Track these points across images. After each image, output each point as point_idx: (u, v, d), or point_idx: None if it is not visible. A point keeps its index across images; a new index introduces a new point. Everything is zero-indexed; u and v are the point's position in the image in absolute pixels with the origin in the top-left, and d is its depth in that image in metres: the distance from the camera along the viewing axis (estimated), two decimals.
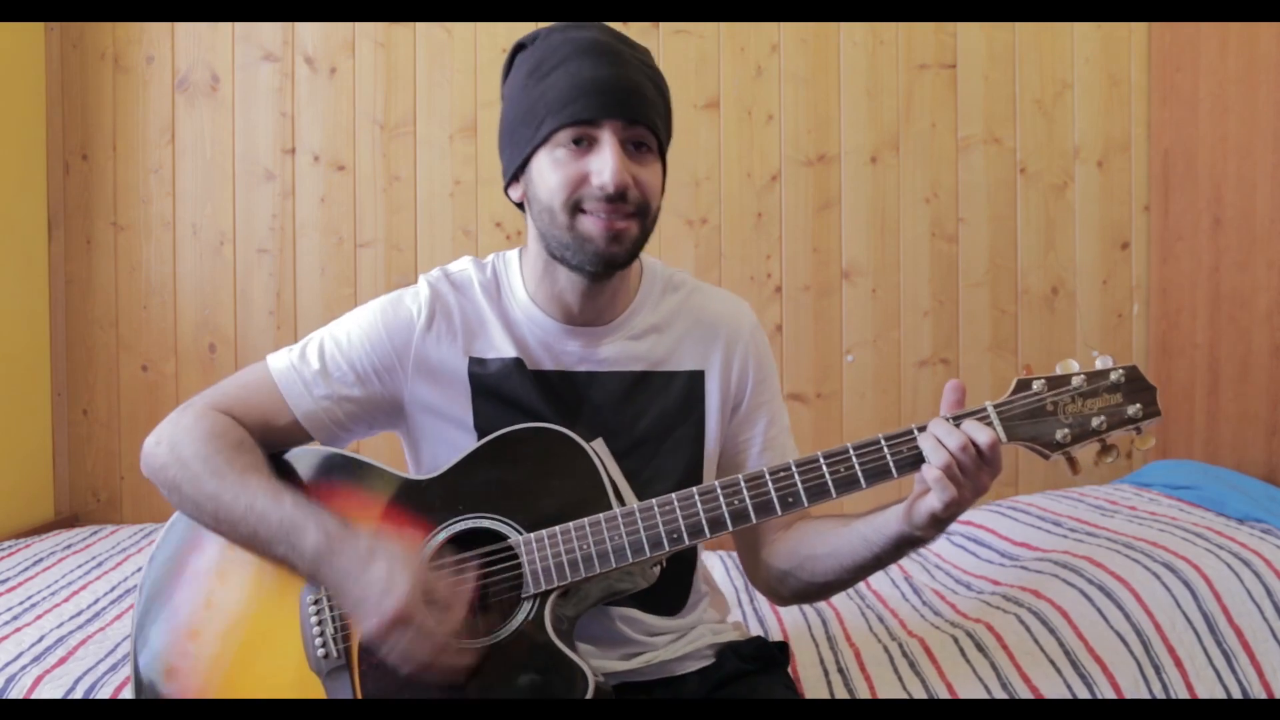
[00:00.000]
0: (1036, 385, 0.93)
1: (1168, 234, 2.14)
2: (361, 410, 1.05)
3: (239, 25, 2.19)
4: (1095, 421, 0.92)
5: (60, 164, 2.20)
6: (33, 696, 1.21)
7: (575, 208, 0.97)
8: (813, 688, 1.27)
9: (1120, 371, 0.93)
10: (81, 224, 2.21)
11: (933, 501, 0.91)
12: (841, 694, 1.26)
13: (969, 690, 1.25)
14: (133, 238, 2.20)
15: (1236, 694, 1.26)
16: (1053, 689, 1.24)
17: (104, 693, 1.21)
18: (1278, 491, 1.66)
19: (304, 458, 1.04)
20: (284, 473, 1.02)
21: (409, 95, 2.20)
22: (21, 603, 1.49)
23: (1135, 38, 2.20)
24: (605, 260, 0.98)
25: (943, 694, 1.24)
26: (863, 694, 1.26)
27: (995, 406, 0.93)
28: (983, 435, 0.90)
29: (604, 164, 0.95)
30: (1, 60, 2.05)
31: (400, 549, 0.92)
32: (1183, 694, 1.26)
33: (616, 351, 1.06)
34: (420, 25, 2.19)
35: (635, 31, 2.17)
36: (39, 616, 1.44)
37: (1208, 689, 1.26)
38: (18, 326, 2.11)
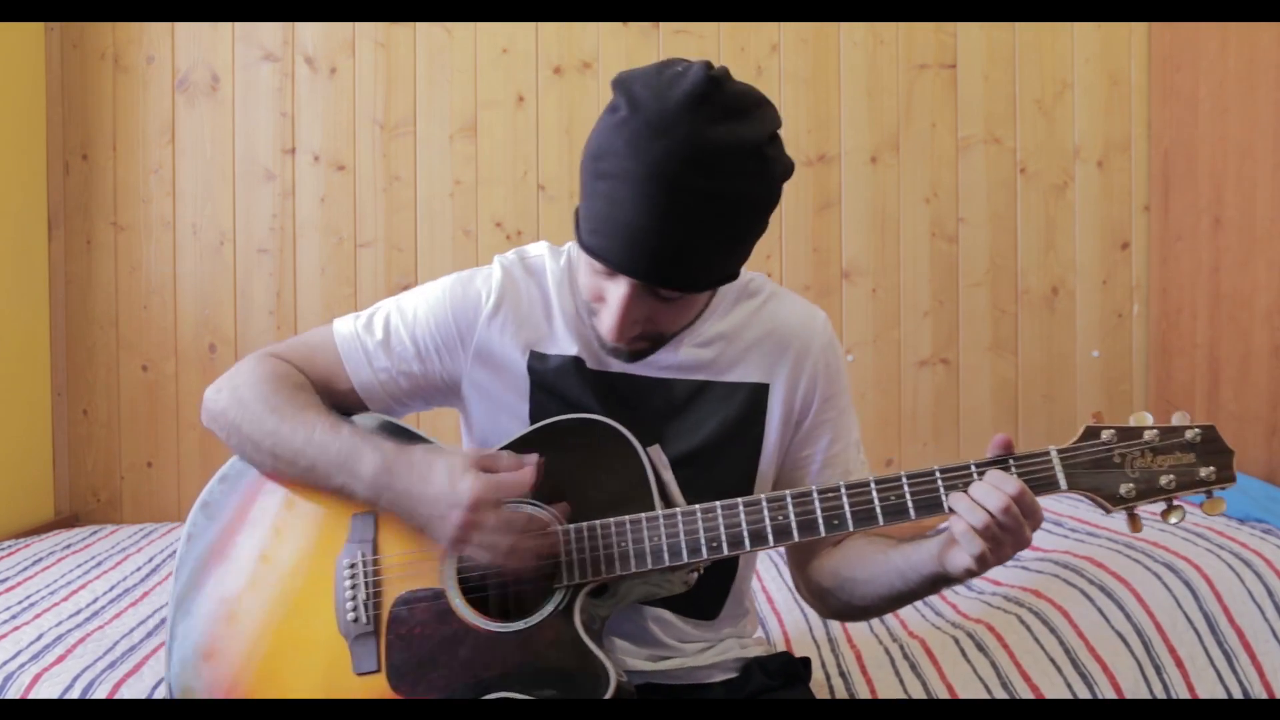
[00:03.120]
0: (1105, 435, 0.90)
1: (1168, 234, 2.14)
2: (417, 387, 1.05)
3: (239, 25, 2.19)
4: (1163, 480, 0.88)
5: (60, 164, 2.20)
6: (30, 695, 1.20)
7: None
8: (815, 690, 1.26)
9: (1197, 431, 0.89)
10: (81, 224, 2.21)
11: (965, 559, 0.87)
12: (843, 696, 1.26)
13: (970, 690, 1.25)
14: (133, 238, 2.20)
15: (1237, 694, 1.26)
16: (1053, 689, 1.24)
17: (101, 691, 1.21)
18: (1278, 491, 1.65)
19: (360, 423, 1.04)
20: None
21: (409, 95, 2.20)
22: (20, 602, 1.49)
23: (1135, 38, 2.20)
24: (610, 353, 0.99)
25: (943, 695, 1.24)
26: (864, 696, 1.26)
27: (1060, 452, 0.90)
28: (1010, 485, 0.86)
29: (607, 317, 0.92)
30: (1, 60, 2.05)
31: (457, 452, 0.92)
32: (1183, 694, 1.26)
33: (682, 358, 1.03)
34: (420, 25, 2.19)
35: (635, 31, 2.17)
36: (37, 615, 1.44)
37: (1208, 689, 1.26)
38: (18, 326, 2.11)
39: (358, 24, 2.19)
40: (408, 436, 1.03)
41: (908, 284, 2.22)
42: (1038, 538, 1.59)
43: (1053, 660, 1.28)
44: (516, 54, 2.19)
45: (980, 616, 1.40)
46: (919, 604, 1.55)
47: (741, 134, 0.85)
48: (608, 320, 0.92)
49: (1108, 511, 0.90)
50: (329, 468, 0.95)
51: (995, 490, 0.86)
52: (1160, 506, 0.90)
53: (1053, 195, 2.22)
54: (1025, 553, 1.57)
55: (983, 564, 0.87)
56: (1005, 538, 0.86)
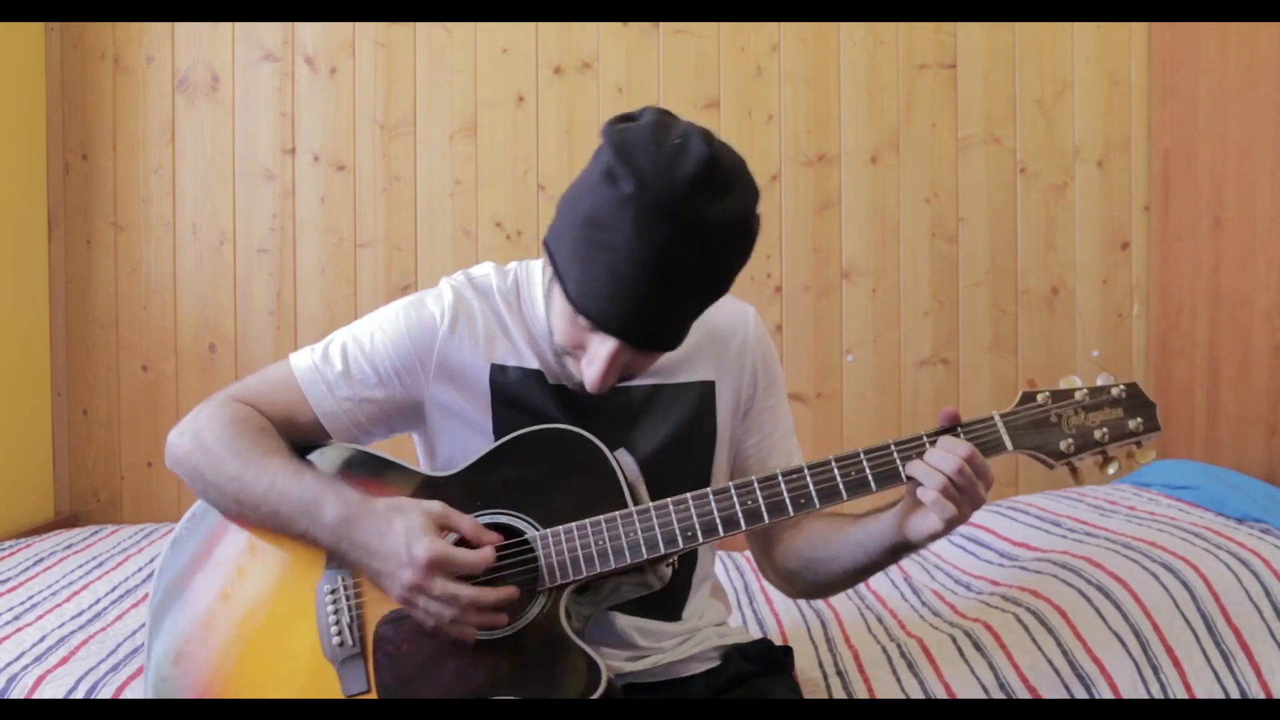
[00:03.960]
0: (1041, 397, 0.97)
1: (1168, 234, 2.14)
2: (381, 412, 1.06)
3: (239, 25, 2.19)
4: (1097, 434, 0.96)
5: (60, 164, 2.20)
6: (34, 696, 1.21)
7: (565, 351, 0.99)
8: (811, 689, 1.27)
9: (1121, 387, 0.98)
10: (81, 224, 2.21)
11: (934, 523, 0.93)
12: (840, 695, 1.26)
13: (967, 690, 1.25)
14: (133, 238, 2.21)
15: (1234, 694, 1.26)
16: (1051, 689, 1.25)
17: (106, 693, 1.22)
18: (1277, 491, 1.66)
19: (326, 454, 1.05)
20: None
21: (409, 95, 2.20)
22: (22, 602, 1.50)
23: (1135, 38, 2.20)
24: (577, 388, 1.00)
25: (941, 694, 1.25)
26: (861, 695, 1.26)
27: (1002, 416, 0.97)
28: (961, 449, 0.93)
29: (593, 370, 0.94)
30: (1, 60, 2.05)
31: (418, 510, 0.93)
32: (1181, 694, 1.26)
33: None
34: (420, 25, 2.19)
35: (635, 31, 2.17)
36: (40, 616, 1.44)
37: (1206, 689, 1.26)
38: (18, 326, 2.11)
39: (358, 24, 2.19)
40: (378, 464, 1.03)
41: (908, 284, 2.22)
42: (1035, 537, 1.60)
43: (1050, 660, 1.28)
44: (516, 54, 2.19)
45: (978, 616, 1.40)
46: (916, 604, 1.55)
47: (734, 210, 0.90)
48: (592, 373, 0.94)
49: (1051, 467, 0.97)
50: (291, 514, 0.95)
51: (949, 454, 0.93)
52: (1099, 461, 0.98)
53: (1053, 195, 2.22)
54: (1023, 553, 1.58)
55: (949, 526, 0.93)
56: (962, 498, 0.93)
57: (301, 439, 1.05)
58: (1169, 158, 2.13)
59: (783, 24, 2.19)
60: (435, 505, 0.94)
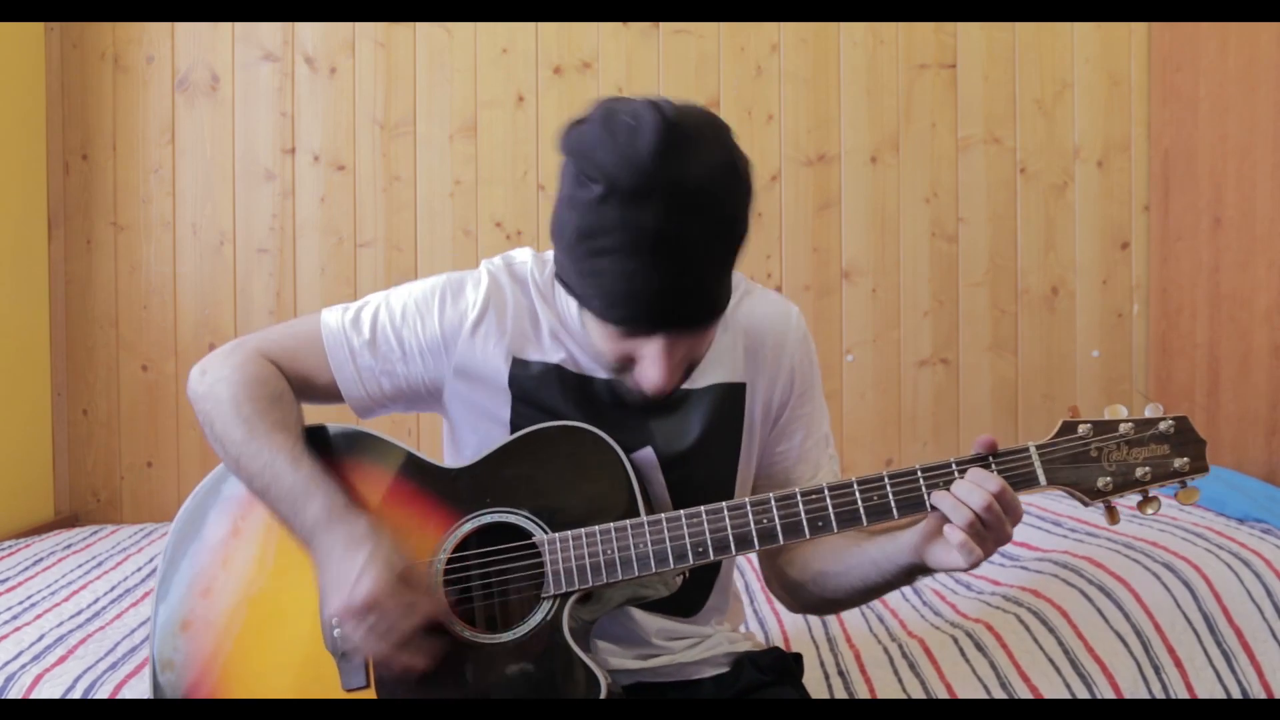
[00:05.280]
0: (1082, 429, 0.92)
1: (1168, 234, 2.14)
2: (399, 389, 1.05)
3: (239, 25, 2.19)
4: (1139, 472, 0.91)
5: (60, 164, 2.20)
6: (32, 696, 1.21)
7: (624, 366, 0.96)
8: (813, 689, 1.26)
9: (1170, 422, 0.91)
10: (81, 224, 2.21)
11: (956, 559, 0.89)
12: (842, 695, 1.26)
13: (969, 691, 1.25)
14: (133, 238, 2.21)
15: (1236, 694, 1.26)
16: (1052, 689, 1.24)
17: (103, 692, 1.22)
18: (1277, 491, 1.66)
19: (341, 436, 1.04)
20: (319, 446, 1.02)
21: (409, 95, 2.20)
22: (21, 602, 1.50)
23: (1135, 38, 2.20)
24: (649, 398, 0.97)
25: (942, 694, 1.25)
26: (863, 695, 1.26)
27: (1038, 448, 0.92)
28: (991, 483, 0.88)
29: (652, 372, 0.91)
30: (1, 60, 2.05)
31: (389, 542, 0.92)
32: (1182, 694, 1.26)
33: None
34: (420, 25, 2.19)
35: (635, 31, 2.17)
36: (38, 616, 1.44)
37: (1207, 689, 1.26)
38: (18, 326, 2.11)
39: (358, 24, 2.19)
40: (393, 454, 1.02)
41: (908, 284, 2.22)
42: (1037, 537, 1.60)
43: (1051, 660, 1.28)
44: (516, 54, 2.19)
45: (979, 616, 1.40)
46: (918, 604, 1.55)
47: (712, 160, 0.86)
48: (654, 375, 0.91)
49: (1086, 504, 0.92)
50: (278, 498, 0.95)
51: (977, 488, 0.88)
52: (1136, 498, 0.92)
53: (1053, 195, 2.22)
54: (1024, 553, 1.58)
55: (973, 564, 0.89)
56: (988, 535, 0.88)
57: (319, 398, 1.05)
58: (1169, 158, 2.13)
59: (783, 24, 2.19)
60: (402, 561, 0.92)
